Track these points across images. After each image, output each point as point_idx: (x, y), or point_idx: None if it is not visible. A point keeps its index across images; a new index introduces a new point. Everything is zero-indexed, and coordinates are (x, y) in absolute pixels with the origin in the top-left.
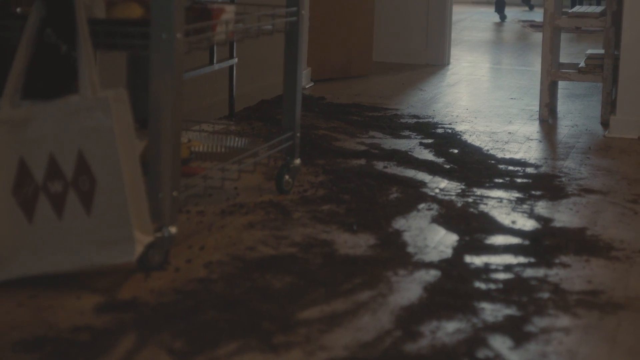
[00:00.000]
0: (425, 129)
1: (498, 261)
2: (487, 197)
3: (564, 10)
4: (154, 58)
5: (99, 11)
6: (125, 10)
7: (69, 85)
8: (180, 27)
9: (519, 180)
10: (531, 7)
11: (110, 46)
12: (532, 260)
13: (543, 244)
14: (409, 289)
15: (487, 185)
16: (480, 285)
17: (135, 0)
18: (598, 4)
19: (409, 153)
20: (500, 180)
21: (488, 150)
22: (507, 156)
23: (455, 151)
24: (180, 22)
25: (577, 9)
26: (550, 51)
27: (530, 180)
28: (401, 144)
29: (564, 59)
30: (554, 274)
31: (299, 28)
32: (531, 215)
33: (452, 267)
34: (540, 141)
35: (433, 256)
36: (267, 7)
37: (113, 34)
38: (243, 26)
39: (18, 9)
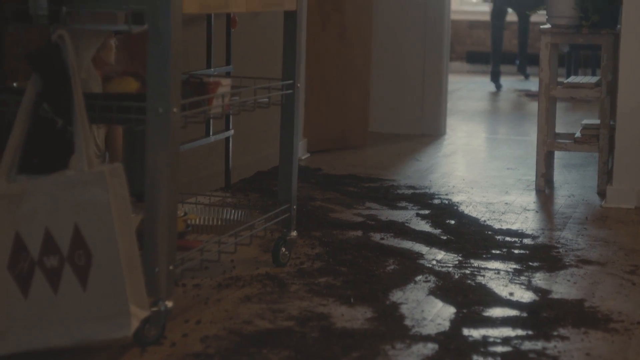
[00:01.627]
0: (422, 199)
1: (496, 334)
2: (485, 268)
3: (559, 80)
4: (150, 132)
5: (96, 85)
6: (121, 84)
7: (65, 160)
8: (176, 101)
9: (516, 251)
10: (527, 76)
11: (106, 120)
12: (530, 332)
13: (541, 316)
14: None
15: (484, 256)
16: (479, 358)
17: (132, 74)
18: (593, 73)
19: (406, 224)
20: (498, 252)
21: (485, 221)
22: (504, 227)
23: (452, 222)
24: (177, 96)
25: (573, 79)
26: (546, 121)
27: (528, 252)
28: (398, 215)
29: (559, 128)
30: (552, 346)
31: (295, 100)
32: (529, 287)
33: (450, 340)
34: (537, 212)
35: (431, 329)
36: (263, 79)
37: (109, 108)
38: (239, 99)
39: (14, 83)
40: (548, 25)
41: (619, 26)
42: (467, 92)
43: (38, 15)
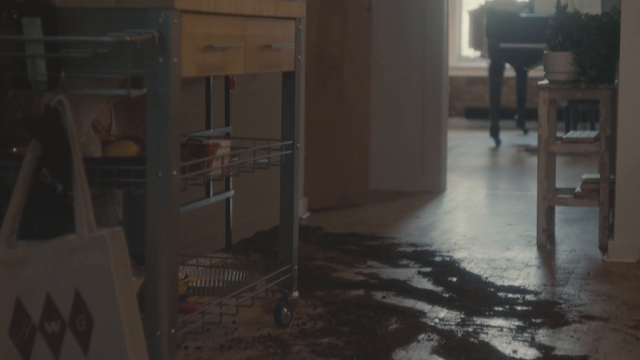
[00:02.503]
0: (424, 257)
1: None
2: (487, 326)
3: (558, 135)
4: (150, 196)
5: (95, 149)
6: (120, 148)
7: (65, 225)
8: (176, 165)
9: (518, 308)
10: (526, 131)
11: (106, 185)
12: None
13: None
14: None
15: (487, 313)
16: None
17: (131, 138)
18: (592, 127)
19: (408, 282)
20: (500, 309)
21: (487, 278)
22: (506, 283)
23: (454, 279)
24: (176, 159)
25: (571, 134)
26: (546, 177)
27: (530, 308)
28: (399, 273)
29: (560, 183)
30: None
31: (295, 161)
32: (532, 343)
33: None
34: (539, 267)
35: None
36: (262, 140)
37: (109, 172)
38: (238, 160)
39: (14, 149)
40: (546, 81)
41: (616, 81)
42: (466, 148)
43: (37, 81)
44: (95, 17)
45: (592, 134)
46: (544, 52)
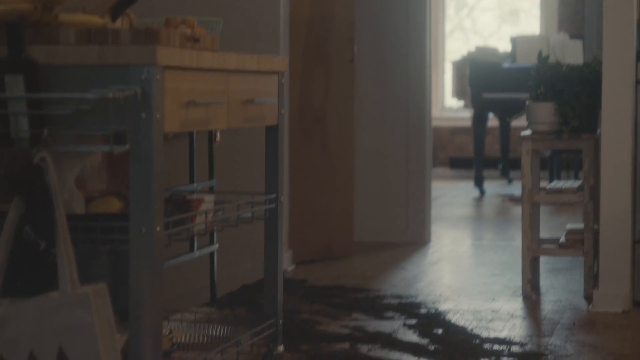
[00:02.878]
0: (409, 309)
1: None
2: None
3: (542, 185)
4: (133, 252)
5: (78, 206)
6: (104, 204)
7: (49, 282)
8: (159, 221)
9: (504, 359)
10: (510, 180)
11: (89, 241)
12: None
13: None
14: None
15: None
16: None
17: (115, 193)
18: (576, 175)
19: (393, 335)
20: None
21: (472, 330)
22: (492, 335)
23: (440, 331)
24: (160, 215)
25: (555, 184)
26: (530, 227)
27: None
28: (385, 326)
29: (544, 232)
30: None
31: (279, 214)
32: None
33: None
34: (524, 318)
35: None
36: (246, 194)
37: (92, 229)
38: (222, 215)
39: None
40: (529, 132)
41: (598, 130)
42: (451, 198)
43: (20, 138)
44: (78, 74)
45: (575, 183)
46: (527, 102)
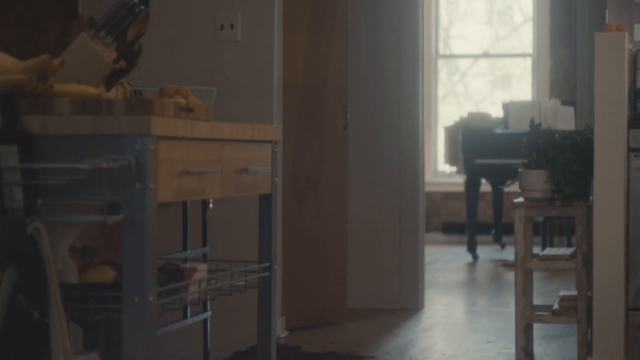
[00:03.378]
0: None
1: None
2: None
3: (535, 252)
4: (126, 321)
5: (72, 276)
6: (97, 273)
7: (42, 353)
8: (152, 290)
9: None
10: (503, 246)
11: (82, 311)
12: None
13: None
14: None
15: None
16: None
17: (108, 263)
18: (568, 241)
19: None
20: None
21: None
22: None
23: None
24: (153, 285)
25: (548, 251)
26: (523, 294)
27: None
28: None
29: (537, 299)
30: None
31: (272, 283)
32: None
33: None
34: None
35: None
36: (240, 262)
37: (86, 298)
38: (216, 284)
39: None
40: (521, 199)
41: (591, 198)
42: (444, 263)
43: (14, 208)
44: (72, 144)
45: (568, 250)
46: (519, 170)
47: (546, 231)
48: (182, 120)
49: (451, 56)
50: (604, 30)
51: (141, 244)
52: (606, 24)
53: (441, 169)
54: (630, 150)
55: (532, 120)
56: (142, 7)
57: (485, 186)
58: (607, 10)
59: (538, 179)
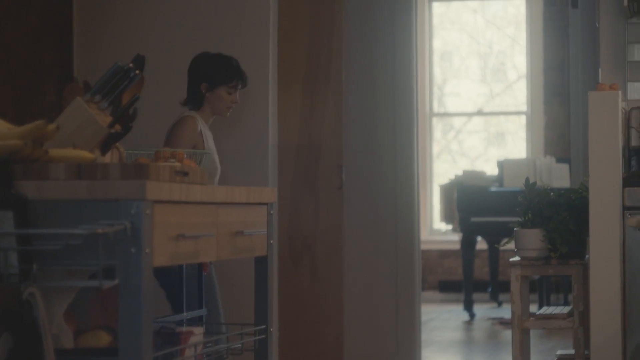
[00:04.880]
0: None
1: None
2: None
3: (531, 310)
4: None
5: (67, 341)
6: (93, 338)
7: None
8: (148, 355)
9: None
10: (500, 303)
11: None
12: None
13: None
14: None
15: None
16: None
17: (104, 327)
18: (565, 299)
19: None
20: None
21: None
22: None
23: None
24: (149, 350)
25: (545, 310)
26: (520, 353)
27: None
28: None
29: (534, 358)
30: None
31: (268, 345)
32: None
33: None
34: None
35: None
36: (236, 325)
37: None
38: (212, 347)
39: None
40: (517, 258)
41: (587, 256)
42: (440, 322)
43: (9, 274)
44: (68, 209)
45: (565, 309)
46: (515, 229)
47: (543, 289)
48: (177, 184)
49: (445, 114)
50: (597, 89)
51: (137, 308)
52: (600, 83)
53: (437, 227)
54: (625, 208)
55: (527, 179)
56: (137, 71)
57: (481, 244)
58: (600, 69)
59: (534, 238)
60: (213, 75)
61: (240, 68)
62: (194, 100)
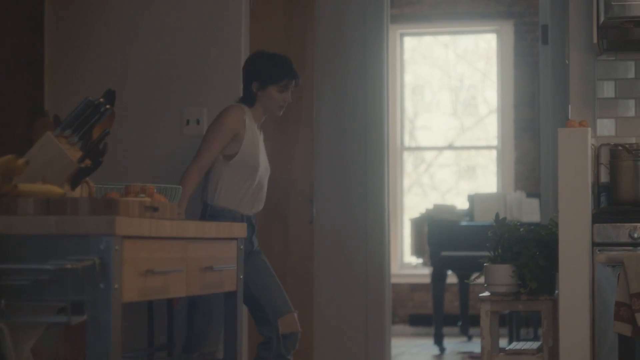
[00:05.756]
0: None
1: None
2: None
3: (501, 345)
4: None
5: None
6: None
7: None
8: None
9: None
10: (470, 337)
11: None
12: None
13: None
14: None
15: None
16: None
17: None
18: (535, 333)
19: None
20: None
21: None
22: None
23: None
24: None
25: (514, 345)
26: None
27: None
28: None
29: None
30: None
31: None
32: None
33: None
34: None
35: None
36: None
37: None
38: None
39: None
40: (487, 293)
41: (556, 292)
42: (410, 355)
43: None
44: (37, 244)
45: (534, 344)
46: (485, 264)
47: (513, 323)
48: (147, 219)
49: (417, 148)
50: (567, 126)
51: (105, 344)
52: (569, 120)
53: (407, 261)
54: (594, 244)
55: (497, 215)
56: (108, 106)
57: (451, 277)
58: (570, 105)
59: (504, 274)
60: (263, 74)
61: (292, 67)
62: (248, 98)
